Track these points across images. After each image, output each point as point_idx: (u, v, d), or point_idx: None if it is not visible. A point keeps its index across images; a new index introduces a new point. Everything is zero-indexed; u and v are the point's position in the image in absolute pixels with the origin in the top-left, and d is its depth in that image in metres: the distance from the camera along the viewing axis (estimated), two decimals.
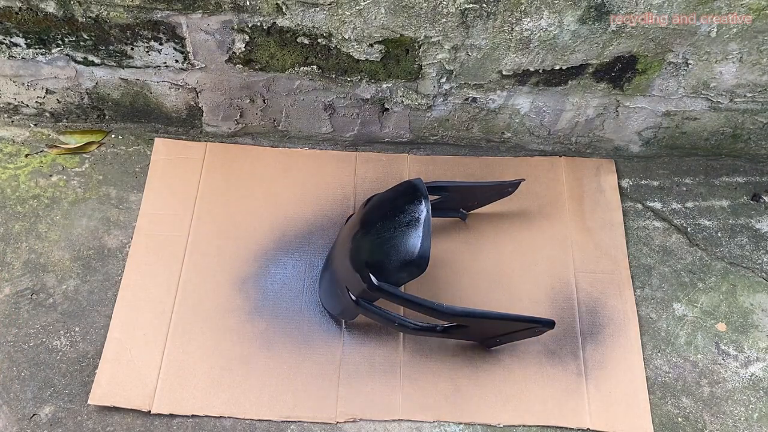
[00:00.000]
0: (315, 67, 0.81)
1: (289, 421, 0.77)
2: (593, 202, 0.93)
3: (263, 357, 0.80)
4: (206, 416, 0.77)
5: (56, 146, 0.94)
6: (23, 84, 0.88)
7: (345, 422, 0.77)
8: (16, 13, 0.76)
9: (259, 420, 0.77)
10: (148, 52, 0.81)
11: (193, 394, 0.78)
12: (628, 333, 0.84)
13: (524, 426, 0.78)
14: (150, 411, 0.76)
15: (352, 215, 0.85)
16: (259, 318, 0.83)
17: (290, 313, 0.84)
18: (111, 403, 0.76)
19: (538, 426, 0.78)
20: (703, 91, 0.84)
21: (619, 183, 0.95)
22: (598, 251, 0.89)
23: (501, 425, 0.78)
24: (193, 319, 0.82)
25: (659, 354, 0.83)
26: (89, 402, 0.76)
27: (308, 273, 0.86)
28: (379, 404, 0.78)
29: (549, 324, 0.75)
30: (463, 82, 0.82)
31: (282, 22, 0.75)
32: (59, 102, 0.91)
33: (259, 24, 0.75)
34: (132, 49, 0.80)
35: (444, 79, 0.82)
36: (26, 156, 0.93)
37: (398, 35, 0.75)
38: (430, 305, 0.71)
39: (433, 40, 0.75)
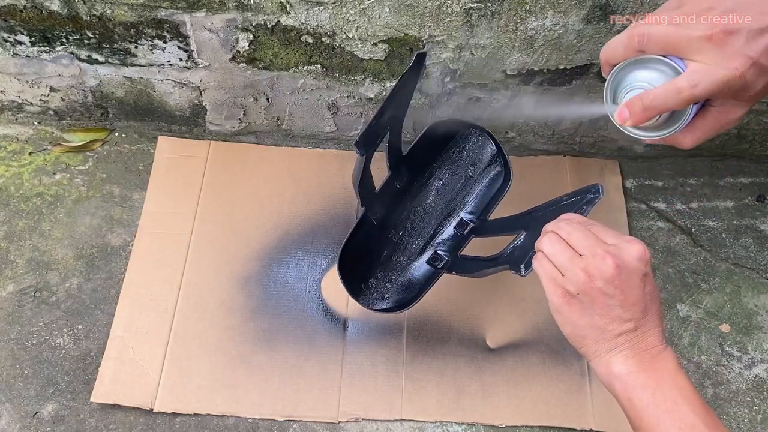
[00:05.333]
0: (319, 66, 0.81)
1: (291, 420, 0.77)
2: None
3: (265, 356, 0.80)
4: (208, 415, 0.77)
5: (60, 144, 0.94)
6: (27, 82, 0.88)
7: (347, 422, 0.77)
8: (21, 11, 0.76)
9: (261, 419, 0.77)
10: (152, 50, 0.81)
11: (196, 393, 0.78)
12: None
13: (527, 426, 0.78)
14: (152, 409, 0.76)
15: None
16: (262, 317, 0.83)
17: (293, 312, 0.84)
18: (113, 401, 0.76)
19: (541, 426, 0.78)
20: None
21: (623, 183, 0.95)
22: None
23: (504, 425, 0.78)
24: (196, 317, 0.82)
25: None
26: (91, 400, 0.76)
27: (311, 272, 0.86)
28: (381, 404, 0.78)
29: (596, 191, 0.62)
30: (467, 82, 0.82)
31: (286, 20, 0.74)
32: (63, 100, 0.91)
33: (263, 22, 0.75)
34: (136, 47, 0.80)
35: (448, 79, 0.82)
36: (30, 154, 0.94)
37: (402, 34, 0.75)
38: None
39: (437, 39, 0.75)
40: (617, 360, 0.51)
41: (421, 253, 0.80)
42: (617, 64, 0.50)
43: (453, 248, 0.78)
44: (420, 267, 0.79)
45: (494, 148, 0.78)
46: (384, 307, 0.77)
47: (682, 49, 0.46)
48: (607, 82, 0.51)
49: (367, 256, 0.78)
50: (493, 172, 0.79)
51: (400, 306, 0.76)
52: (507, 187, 0.76)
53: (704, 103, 0.49)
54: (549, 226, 0.57)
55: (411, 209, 0.81)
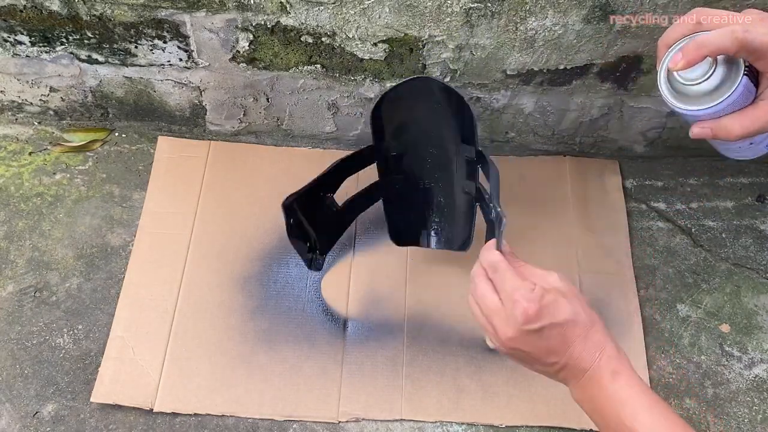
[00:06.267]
0: (319, 66, 0.81)
1: (291, 420, 0.77)
2: (597, 202, 0.93)
3: (265, 356, 0.80)
4: (208, 415, 0.77)
5: (60, 144, 0.94)
6: (27, 82, 0.88)
7: (347, 422, 0.77)
8: (21, 11, 0.76)
9: (261, 419, 0.77)
10: (152, 50, 0.81)
11: (196, 393, 0.78)
12: (632, 335, 0.83)
13: (527, 426, 0.78)
14: (152, 409, 0.76)
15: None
16: (262, 317, 0.83)
17: (293, 312, 0.84)
18: (113, 401, 0.76)
19: (540, 426, 0.78)
20: None
21: (623, 183, 0.95)
22: (602, 252, 0.89)
23: (504, 425, 0.78)
24: (196, 317, 0.82)
25: (663, 355, 0.83)
26: (92, 400, 0.76)
27: (311, 272, 0.86)
28: (381, 404, 0.78)
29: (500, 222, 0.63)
30: (467, 82, 0.82)
31: (286, 20, 0.74)
32: (63, 100, 0.91)
33: (263, 22, 0.75)
34: (136, 47, 0.80)
35: (448, 79, 0.82)
36: (30, 154, 0.94)
37: (402, 34, 0.75)
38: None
39: (437, 39, 0.75)
40: (570, 389, 0.56)
41: (452, 186, 0.82)
42: (673, 45, 0.52)
43: (472, 177, 0.79)
44: (459, 198, 0.81)
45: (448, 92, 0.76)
46: (448, 246, 0.84)
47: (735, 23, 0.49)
48: (662, 61, 0.53)
49: (409, 208, 0.85)
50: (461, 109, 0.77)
51: (463, 244, 0.82)
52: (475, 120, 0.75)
53: (755, 98, 0.50)
54: (472, 272, 0.60)
55: (425, 159, 0.82)
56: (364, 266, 0.87)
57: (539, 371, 0.56)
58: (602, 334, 0.54)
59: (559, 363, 0.54)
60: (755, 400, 0.80)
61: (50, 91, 0.89)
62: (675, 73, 0.51)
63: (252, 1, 0.72)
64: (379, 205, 0.86)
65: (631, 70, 0.80)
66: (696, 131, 0.52)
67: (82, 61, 0.83)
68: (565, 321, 0.53)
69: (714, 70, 0.49)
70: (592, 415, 0.54)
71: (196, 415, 0.77)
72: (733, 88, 0.49)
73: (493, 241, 0.60)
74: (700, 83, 0.50)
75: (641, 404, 0.51)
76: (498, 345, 0.56)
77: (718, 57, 0.49)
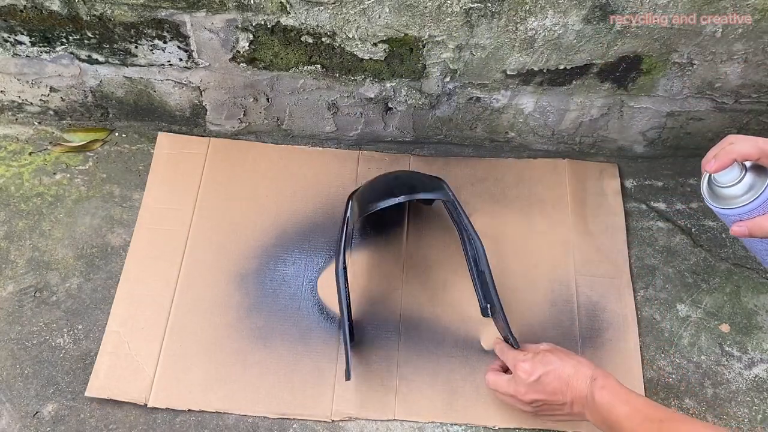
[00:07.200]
0: (319, 66, 0.81)
1: (290, 419, 0.77)
2: (596, 205, 0.93)
3: (260, 354, 0.80)
4: (208, 414, 0.77)
5: (60, 144, 0.94)
6: (27, 82, 0.88)
7: (340, 421, 0.77)
8: (21, 11, 0.76)
9: (254, 416, 0.77)
10: (152, 50, 0.81)
11: (190, 389, 0.78)
12: (627, 338, 0.83)
13: (520, 429, 0.78)
14: (146, 404, 0.76)
15: None
16: (258, 314, 0.83)
17: (288, 310, 0.84)
18: (108, 396, 0.76)
19: (535, 429, 0.78)
20: (707, 92, 0.84)
21: (623, 183, 0.95)
22: (600, 255, 0.89)
23: (497, 427, 0.78)
24: (192, 313, 0.82)
25: (663, 355, 0.83)
26: (86, 394, 0.76)
27: (308, 270, 0.86)
28: (374, 404, 0.78)
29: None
30: (467, 82, 0.82)
31: (286, 20, 0.74)
32: (63, 100, 0.91)
33: (263, 23, 0.75)
34: (136, 47, 0.80)
35: (448, 79, 0.82)
36: (30, 154, 0.94)
37: (402, 34, 0.75)
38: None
39: (437, 39, 0.75)
40: (587, 418, 0.68)
41: None
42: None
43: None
44: None
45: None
46: None
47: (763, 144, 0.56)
48: (704, 177, 0.61)
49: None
50: None
51: None
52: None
53: None
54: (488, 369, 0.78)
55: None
56: (360, 266, 0.87)
57: (563, 418, 0.72)
58: (588, 367, 0.68)
59: (568, 400, 0.68)
60: (755, 400, 0.80)
61: (50, 91, 0.89)
62: (713, 179, 0.59)
63: (252, 1, 0.72)
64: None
65: (631, 70, 0.80)
66: (734, 229, 0.59)
67: (82, 61, 0.83)
68: (554, 367, 0.69)
69: (744, 176, 0.57)
70: (600, 426, 0.66)
71: (196, 414, 0.77)
72: (761, 191, 0.56)
73: (499, 337, 0.79)
74: (732, 186, 0.58)
75: (619, 401, 0.64)
76: (521, 406, 0.72)
77: (747, 165, 0.57)
